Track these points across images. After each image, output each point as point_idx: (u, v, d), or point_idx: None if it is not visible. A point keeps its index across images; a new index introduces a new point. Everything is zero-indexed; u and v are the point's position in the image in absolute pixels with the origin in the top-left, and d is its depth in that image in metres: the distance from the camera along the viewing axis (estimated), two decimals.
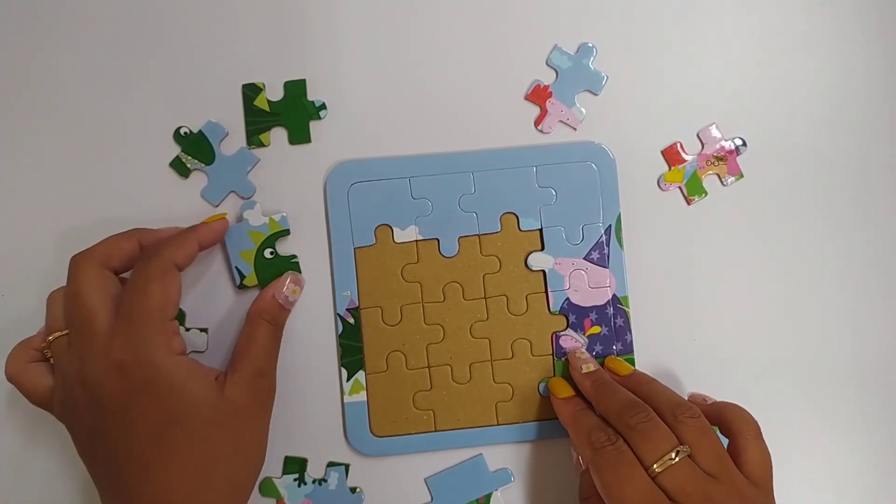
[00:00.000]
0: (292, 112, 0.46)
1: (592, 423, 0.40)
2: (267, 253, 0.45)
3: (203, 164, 0.46)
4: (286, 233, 0.45)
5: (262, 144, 0.46)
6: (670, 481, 0.37)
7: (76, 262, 0.39)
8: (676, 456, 0.37)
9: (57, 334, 0.39)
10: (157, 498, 0.37)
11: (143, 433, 0.37)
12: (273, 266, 0.45)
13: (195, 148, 0.46)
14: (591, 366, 0.44)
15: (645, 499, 0.36)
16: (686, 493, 0.36)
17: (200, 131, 0.46)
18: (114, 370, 0.37)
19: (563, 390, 0.44)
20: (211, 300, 0.46)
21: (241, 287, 0.45)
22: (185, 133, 0.46)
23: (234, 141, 0.46)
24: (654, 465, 0.37)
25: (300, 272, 0.45)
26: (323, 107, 0.46)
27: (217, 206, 0.46)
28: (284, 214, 0.45)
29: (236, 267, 0.45)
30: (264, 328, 0.42)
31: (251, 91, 0.46)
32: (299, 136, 0.46)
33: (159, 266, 0.39)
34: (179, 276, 0.40)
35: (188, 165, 0.46)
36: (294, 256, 0.46)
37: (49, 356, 0.40)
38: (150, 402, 0.37)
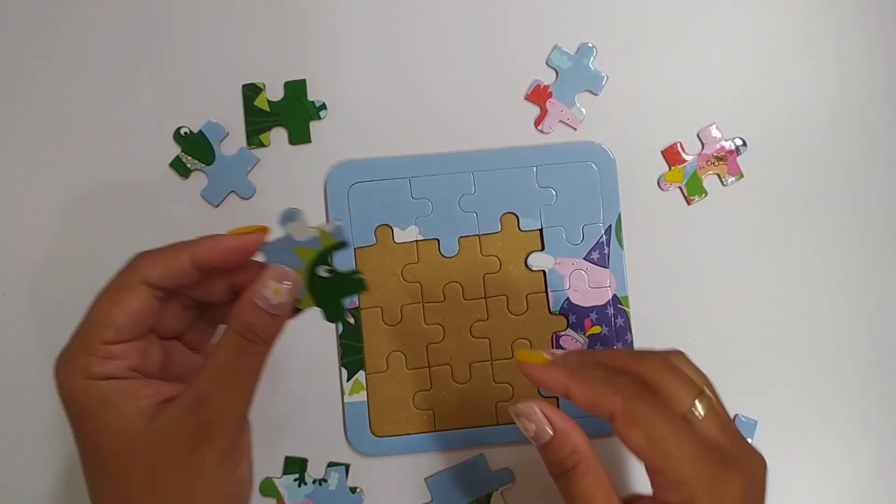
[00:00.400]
0: (292, 112, 0.46)
1: (603, 371, 0.33)
2: (322, 271, 0.35)
3: (203, 165, 0.46)
4: (343, 245, 0.35)
5: (262, 144, 0.46)
6: (714, 426, 0.33)
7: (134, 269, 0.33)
8: (703, 403, 0.33)
9: None
10: None
11: (81, 457, 0.33)
12: (333, 286, 0.35)
13: (195, 148, 0.46)
14: (555, 352, 0.36)
15: (706, 447, 0.31)
16: (732, 437, 0.33)
17: (200, 131, 0.46)
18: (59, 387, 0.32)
19: (535, 356, 0.35)
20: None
21: (297, 312, 0.35)
22: (186, 133, 0.46)
23: (234, 141, 0.46)
24: (693, 410, 0.32)
25: (365, 289, 0.35)
26: (323, 107, 0.46)
27: (217, 206, 0.46)
28: (339, 223, 0.34)
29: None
30: (229, 343, 0.32)
31: (251, 91, 0.46)
32: (299, 136, 0.46)
33: (120, 280, 0.33)
34: (146, 299, 0.32)
35: (188, 166, 0.46)
36: (357, 272, 0.35)
37: None
38: (73, 428, 0.32)
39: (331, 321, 0.35)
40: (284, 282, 0.33)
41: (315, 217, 0.46)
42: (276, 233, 0.34)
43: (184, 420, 0.31)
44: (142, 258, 0.33)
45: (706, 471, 0.31)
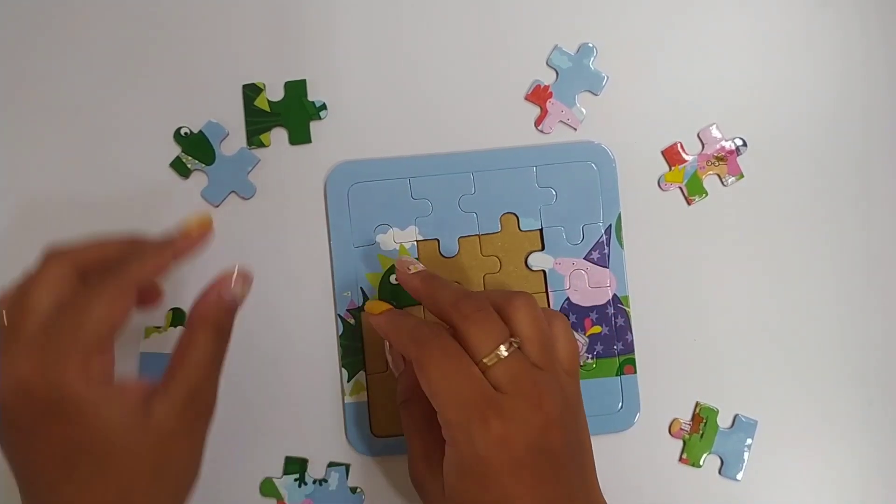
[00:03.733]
0: (292, 112, 0.46)
1: (414, 322, 0.37)
2: (392, 279, 0.45)
3: (203, 165, 0.46)
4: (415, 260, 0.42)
5: (262, 145, 0.46)
6: (501, 373, 0.35)
7: (48, 259, 0.35)
8: (507, 350, 0.35)
9: None
10: None
11: (50, 459, 0.33)
12: (396, 292, 0.45)
13: (195, 148, 0.46)
14: (418, 266, 0.40)
15: (474, 392, 0.34)
16: (516, 385, 0.35)
17: (201, 131, 0.46)
18: (16, 388, 0.33)
19: (378, 307, 0.39)
20: None
21: (362, 309, 0.45)
22: (186, 133, 0.46)
23: (234, 141, 0.46)
24: (485, 359, 0.35)
25: (419, 302, 0.40)
26: (323, 107, 0.46)
27: (217, 206, 0.46)
28: (415, 242, 0.45)
29: (361, 287, 0.45)
30: (205, 337, 0.35)
31: (251, 91, 0.46)
32: (300, 136, 0.46)
33: (117, 286, 0.34)
34: (133, 302, 0.35)
35: (188, 166, 0.46)
36: None
37: None
38: (56, 428, 0.33)
39: None
40: (246, 280, 0.38)
41: (315, 217, 0.46)
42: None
43: (181, 414, 0.34)
44: (131, 265, 0.35)
45: (466, 414, 0.34)
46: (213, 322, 0.36)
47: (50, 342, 0.33)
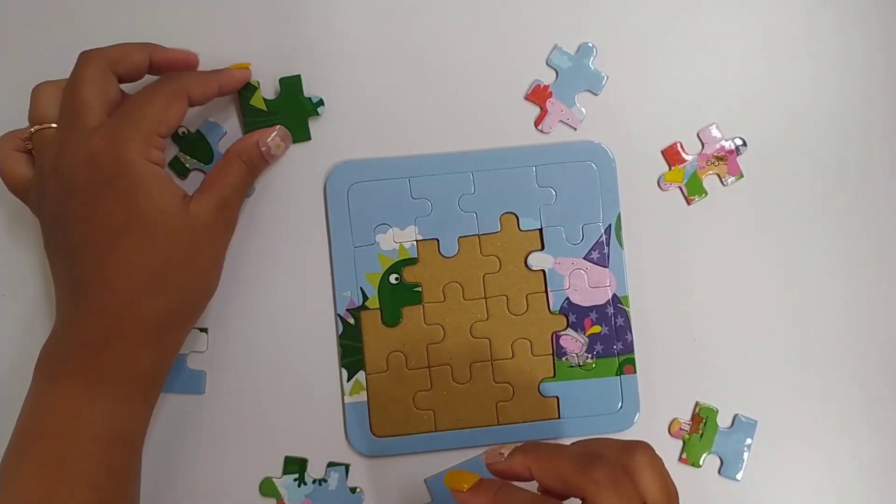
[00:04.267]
0: (289, 110, 0.46)
1: (526, 496, 0.33)
2: (392, 278, 0.45)
3: (202, 164, 0.46)
4: (414, 261, 0.45)
5: None
6: None
7: (84, 58, 0.40)
8: None
9: (41, 126, 0.40)
10: (106, 292, 0.38)
11: (104, 226, 0.38)
12: (396, 292, 0.46)
13: (193, 147, 0.46)
14: (507, 447, 0.35)
15: None
16: None
17: (198, 131, 0.46)
18: (87, 158, 0.38)
19: (465, 480, 0.34)
20: (211, 300, 0.46)
21: (363, 308, 0.45)
22: (183, 133, 0.46)
23: (232, 140, 0.46)
24: None
25: (422, 301, 0.45)
26: (321, 103, 0.46)
27: None
28: (415, 242, 0.45)
29: (360, 287, 0.45)
30: (238, 167, 0.42)
31: (246, 91, 0.46)
32: (299, 133, 0.46)
33: (172, 87, 0.40)
34: (186, 107, 0.40)
35: (187, 165, 0.46)
36: (418, 285, 0.45)
37: (30, 147, 0.41)
38: (115, 197, 0.38)
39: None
40: (284, 140, 0.45)
41: (314, 217, 0.46)
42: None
43: (214, 214, 0.41)
44: (187, 78, 0.41)
45: None
46: (246, 158, 0.43)
47: (119, 122, 0.38)
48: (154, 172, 0.39)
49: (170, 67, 0.42)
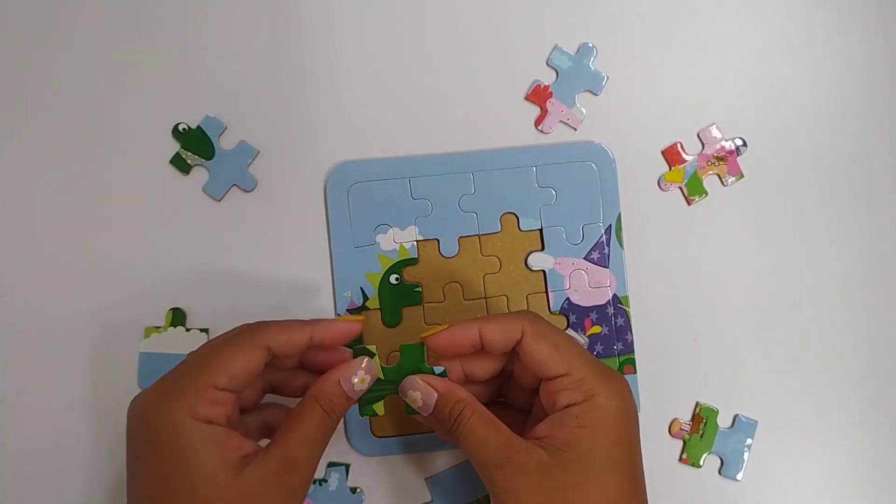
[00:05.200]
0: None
1: (503, 313, 0.37)
2: (392, 278, 0.45)
3: (203, 160, 0.46)
4: (414, 261, 0.45)
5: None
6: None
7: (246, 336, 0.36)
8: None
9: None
10: None
11: (140, 486, 0.35)
12: (396, 292, 0.45)
13: (194, 143, 0.46)
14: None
15: (591, 358, 0.38)
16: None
17: (199, 126, 0.46)
18: (135, 412, 0.35)
19: (438, 327, 0.38)
20: (212, 300, 0.46)
21: (363, 308, 0.45)
22: (184, 129, 0.46)
23: (232, 134, 0.46)
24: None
25: (420, 302, 0.45)
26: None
27: (220, 200, 0.46)
28: (415, 242, 0.45)
29: (361, 287, 0.45)
30: (316, 415, 0.36)
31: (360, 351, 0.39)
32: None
33: (246, 337, 0.36)
34: (262, 359, 0.36)
35: (188, 161, 0.46)
36: (418, 285, 0.46)
37: None
38: (152, 459, 0.34)
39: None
40: (369, 373, 0.37)
41: (314, 217, 0.46)
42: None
43: (271, 481, 0.34)
44: (267, 325, 0.36)
45: (599, 372, 0.36)
46: (326, 402, 0.36)
47: (172, 377, 0.35)
48: (201, 434, 0.34)
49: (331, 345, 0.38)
